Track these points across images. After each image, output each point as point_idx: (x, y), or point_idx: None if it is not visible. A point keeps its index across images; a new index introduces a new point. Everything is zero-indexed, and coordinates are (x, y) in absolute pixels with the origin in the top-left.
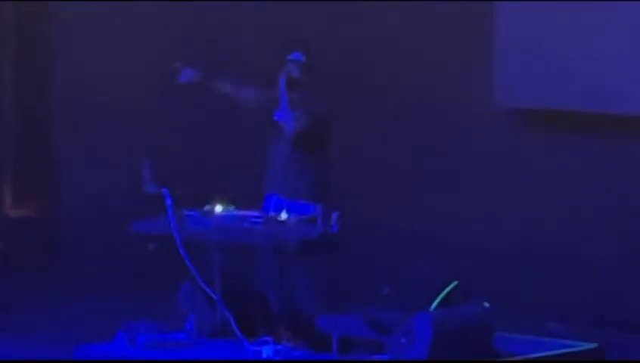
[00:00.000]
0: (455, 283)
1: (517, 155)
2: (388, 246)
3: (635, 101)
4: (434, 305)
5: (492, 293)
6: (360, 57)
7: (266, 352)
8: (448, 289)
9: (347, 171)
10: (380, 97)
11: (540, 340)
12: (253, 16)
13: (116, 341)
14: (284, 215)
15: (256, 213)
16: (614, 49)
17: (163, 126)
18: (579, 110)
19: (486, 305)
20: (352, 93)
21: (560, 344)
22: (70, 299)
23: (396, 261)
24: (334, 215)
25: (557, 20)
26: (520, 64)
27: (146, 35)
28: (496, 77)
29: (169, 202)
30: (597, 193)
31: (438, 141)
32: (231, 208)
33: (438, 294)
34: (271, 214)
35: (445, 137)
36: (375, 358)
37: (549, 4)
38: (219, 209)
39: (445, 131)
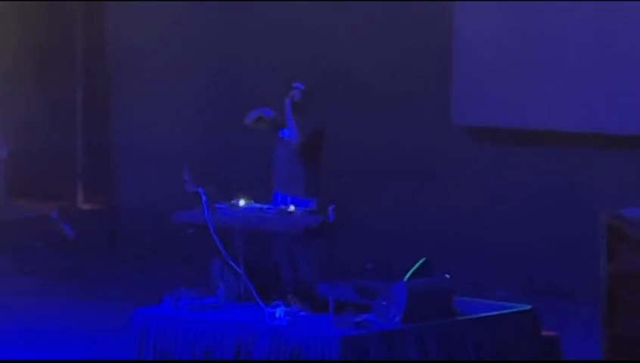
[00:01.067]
0: (423, 259)
1: (469, 163)
2: (370, 231)
3: (563, 119)
4: (407, 276)
5: (452, 267)
6: (344, 83)
7: (278, 312)
8: (417, 264)
9: (337, 173)
10: (362, 114)
11: (488, 303)
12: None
13: (164, 304)
14: (291, 208)
15: (269, 206)
16: (553, 76)
17: (201, 141)
18: (519, 128)
19: (447, 276)
20: (341, 118)
21: (502, 306)
22: (128, 272)
23: (377, 243)
24: (330, 208)
25: (505, 50)
26: (474, 90)
27: (191, 73)
28: (454, 100)
29: (203, 198)
30: (531, 193)
31: (406, 150)
32: (251, 202)
33: (410, 268)
34: (282, 207)
35: (412, 147)
36: (361, 317)
37: (500, 37)
38: (242, 202)
39: (412, 142)
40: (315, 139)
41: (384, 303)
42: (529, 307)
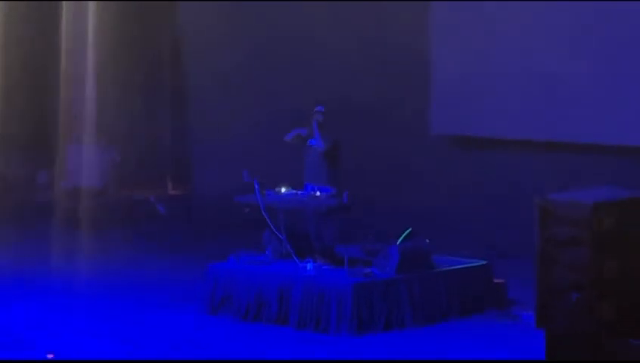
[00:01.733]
0: (409, 229)
1: (446, 168)
2: (372, 211)
3: (527, 129)
4: (399, 240)
5: (431, 237)
6: (344, 102)
7: (309, 266)
8: (405, 232)
9: (350, 171)
10: (359, 127)
11: (456, 259)
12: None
13: (229, 261)
14: (318, 194)
15: (302, 192)
16: (522, 91)
17: (256, 145)
18: (491, 137)
19: (427, 241)
20: (349, 131)
21: (467, 261)
22: (203, 239)
23: (377, 218)
24: (345, 194)
25: (478, 65)
26: (450, 102)
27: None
28: (432, 111)
29: (256, 186)
30: (492, 188)
31: (391, 152)
32: (289, 189)
33: (400, 235)
34: (311, 193)
35: (397, 151)
36: (367, 270)
37: (472, 55)
38: (283, 189)
39: (396, 147)
40: (334, 147)
41: (383, 260)
42: (485, 262)
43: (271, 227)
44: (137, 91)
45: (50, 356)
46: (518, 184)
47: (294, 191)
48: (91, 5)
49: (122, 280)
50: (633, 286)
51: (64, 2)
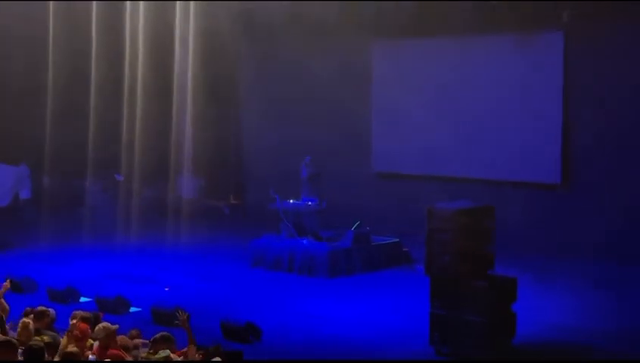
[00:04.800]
0: (359, 221)
1: (378, 191)
2: (340, 212)
3: (453, 166)
4: (353, 228)
5: (370, 226)
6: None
7: (305, 242)
8: (357, 224)
9: (325, 190)
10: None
11: (383, 238)
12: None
13: (262, 238)
14: (309, 203)
15: (301, 202)
16: (449, 133)
17: (279, 168)
18: (418, 174)
19: (368, 228)
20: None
21: (390, 239)
22: (249, 229)
23: (342, 216)
24: (323, 202)
25: (407, 112)
26: (386, 148)
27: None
28: (373, 151)
29: (277, 198)
30: (405, 206)
31: (351, 182)
32: (295, 200)
33: (353, 224)
34: (307, 202)
35: (348, 182)
36: (336, 244)
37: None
38: (291, 200)
39: (347, 180)
40: (318, 176)
41: (345, 237)
42: (398, 239)
43: (285, 220)
44: (210, 129)
45: (167, 289)
46: (421, 202)
47: (297, 201)
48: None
49: (205, 248)
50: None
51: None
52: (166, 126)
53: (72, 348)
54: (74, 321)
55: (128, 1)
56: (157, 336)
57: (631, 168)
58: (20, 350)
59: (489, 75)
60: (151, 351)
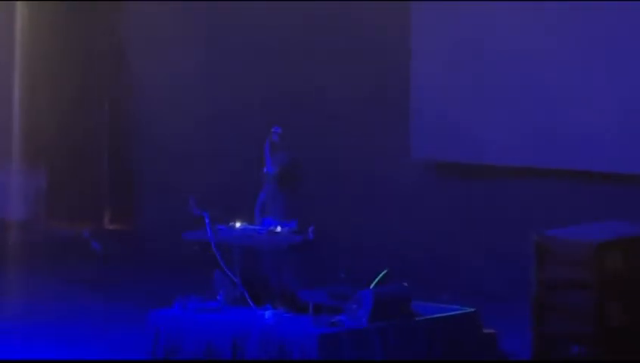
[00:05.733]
0: (386, 270)
1: (426, 194)
2: (342, 248)
3: (506, 155)
4: (373, 284)
5: (408, 278)
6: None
7: (267, 314)
8: (381, 274)
9: (314, 199)
10: (332, 148)
11: (439, 306)
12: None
13: (175, 307)
14: (278, 229)
15: (259, 227)
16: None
17: (206, 174)
18: (470, 162)
19: (405, 284)
20: (314, 151)
21: (451, 308)
22: (146, 280)
23: (348, 257)
24: (310, 229)
25: (457, 91)
26: (430, 128)
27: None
28: (412, 137)
29: (207, 220)
30: (479, 223)
31: (370, 182)
32: (245, 224)
33: (375, 277)
34: (270, 228)
35: (375, 179)
36: (335, 318)
37: (451, 83)
38: (238, 224)
39: (374, 175)
40: (291, 170)
41: (354, 306)
42: (473, 309)
43: (224, 267)
44: (68, 103)
45: None
46: (506, 215)
47: (251, 226)
48: (20, 5)
49: (48, 329)
50: None
51: None
52: None
53: None
54: None
55: None
56: None
57: None
58: None
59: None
60: None
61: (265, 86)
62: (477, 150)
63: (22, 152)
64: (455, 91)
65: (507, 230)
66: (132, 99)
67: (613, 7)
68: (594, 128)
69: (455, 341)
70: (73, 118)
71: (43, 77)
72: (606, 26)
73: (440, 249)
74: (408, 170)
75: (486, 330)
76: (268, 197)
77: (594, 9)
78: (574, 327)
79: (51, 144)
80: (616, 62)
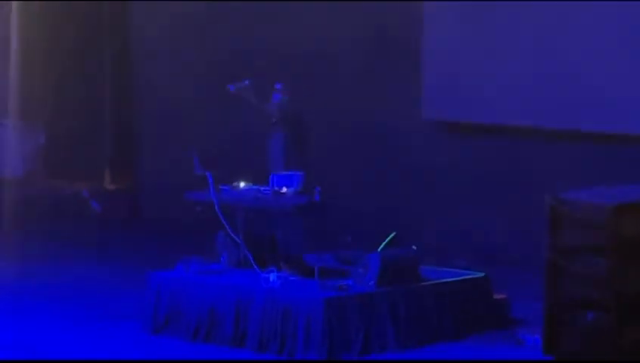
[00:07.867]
0: (394, 233)
1: (438, 156)
2: (349, 210)
3: (524, 114)
4: (381, 247)
5: (418, 241)
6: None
7: (272, 277)
8: (389, 237)
9: (320, 159)
10: (336, 115)
11: (448, 270)
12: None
13: (177, 269)
14: (284, 189)
15: (265, 187)
16: (515, 74)
17: (212, 132)
18: (484, 123)
19: (414, 247)
20: (321, 111)
21: (460, 273)
22: (146, 242)
23: (355, 220)
24: (316, 189)
25: (471, 51)
26: (442, 85)
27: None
28: (424, 95)
29: (210, 180)
30: (496, 186)
31: (379, 143)
32: (250, 184)
33: (383, 240)
34: (276, 188)
35: (385, 140)
36: (342, 282)
37: (464, 41)
38: (242, 184)
39: (385, 135)
40: (297, 124)
41: (361, 270)
42: (482, 274)
43: (227, 229)
44: (67, 56)
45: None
46: (521, 177)
47: (256, 186)
48: None
49: (46, 291)
50: None
51: None
52: None
53: None
54: None
55: None
56: None
57: None
58: None
59: None
60: None
61: (269, 40)
62: (489, 109)
63: (19, 108)
64: (468, 52)
65: (520, 192)
66: (132, 53)
67: None
68: (609, 89)
69: (465, 306)
70: (72, 73)
71: (41, 30)
72: None
73: (452, 210)
74: (420, 128)
75: (497, 296)
76: (276, 154)
77: None
78: (588, 292)
79: (50, 100)
80: (633, 19)
